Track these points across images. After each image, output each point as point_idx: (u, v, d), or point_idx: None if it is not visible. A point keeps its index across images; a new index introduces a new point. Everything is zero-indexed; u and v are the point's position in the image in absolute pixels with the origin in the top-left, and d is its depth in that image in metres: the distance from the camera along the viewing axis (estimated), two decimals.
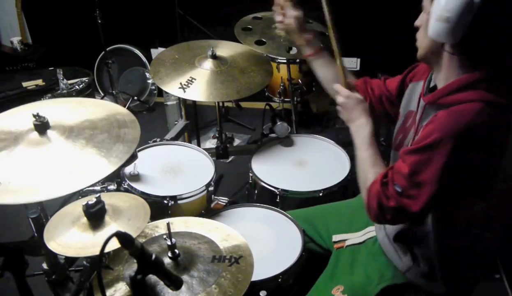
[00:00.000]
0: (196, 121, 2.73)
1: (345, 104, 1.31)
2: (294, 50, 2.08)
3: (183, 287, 1.00)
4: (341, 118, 1.33)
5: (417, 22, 1.15)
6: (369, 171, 1.18)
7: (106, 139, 1.20)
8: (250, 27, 2.15)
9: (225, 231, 1.27)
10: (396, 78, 1.42)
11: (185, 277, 1.03)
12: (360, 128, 1.26)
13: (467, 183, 1.07)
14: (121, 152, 1.17)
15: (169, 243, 1.09)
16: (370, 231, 1.42)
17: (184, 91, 1.78)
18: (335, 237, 1.44)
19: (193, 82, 1.81)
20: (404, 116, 1.31)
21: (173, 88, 1.81)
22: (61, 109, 1.31)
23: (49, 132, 1.19)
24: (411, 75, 1.35)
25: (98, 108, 1.34)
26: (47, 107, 1.28)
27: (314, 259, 1.47)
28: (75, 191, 1.07)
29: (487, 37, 1.02)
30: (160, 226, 1.31)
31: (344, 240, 1.42)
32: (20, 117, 1.25)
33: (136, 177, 1.73)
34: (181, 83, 1.80)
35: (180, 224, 1.32)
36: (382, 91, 1.43)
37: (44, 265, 1.31)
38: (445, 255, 1.20)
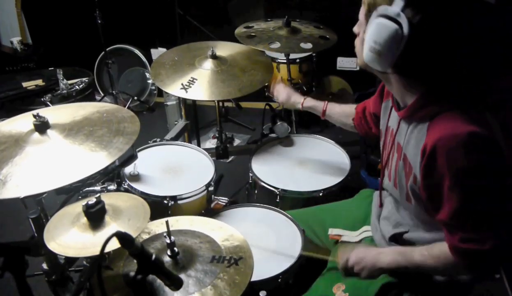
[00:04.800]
0: (196, 121, 2.73)
1: (358, 267, 1.22)
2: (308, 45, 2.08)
3: None
4: (367, 276, 1.24)
5: (355, 29, 1.14)
6: (434, 255, 1.12)
7: (106, 134, 1.21)
8: (252, 25, 2.15)
9: (228, 231, 1.27)
10: (375, 98, 1.44)
11: (182, 276, 1.02)
12: (390, 256, 1.19)
13: (503, 184, 1.05)
14: (122, 143, 1.18)
15: (168, 241, 1.09)
16: (367, 230, 1.42)
17: (186, 92, 1.78)
18: (331, 231, 1.43)
19: (195, 82, 1.81)
20: (384, 133, 1.33)
21: (174, 89, 1.81)
22: (61, 112, 1.32)
23: (49, 131, 1.20)
24: (385, 94, 1.36)
25: (97, 108, 1.35)
26: (47, 112, 1.28)
27: (313, 259, 1.47)
28: (77, 180, 1.08)
29: (422, 60, 1.02)
30: (164, 224, 1.31)
31: (339, 235, 1.42)
32: (19, 123, 1.26)
33: (136, 177, 1.73)
34: (182, 84, 1.80)
35: (185, 222, 1.31)
36: (376, 110, 1.45)
37: (44, 265, 1.31)
38: None
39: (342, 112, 1.63)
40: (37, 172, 1.09)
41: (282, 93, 1.76)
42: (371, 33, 1.01)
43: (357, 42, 1.15)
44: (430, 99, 1.07)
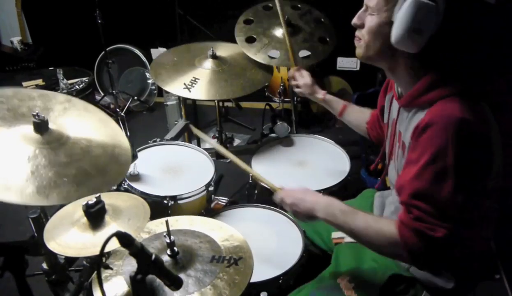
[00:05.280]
0: (196, 121, 2.73)
1: (292, 204, 1.23)
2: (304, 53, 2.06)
3: None
4: (301, 220, 1.25)
5: (356, 21, 1.14)
6: (378, 228, 1.10)
7: (101, 156, 1.18)
8: (252, 19, 2.14)
9: (228, 231, 1.27)
10: (381, 94, 1.44)
11: (182, 276, 1.02)
12: (329, 209, 1.18)
13: (478, 182, 1.05)
14: (116, 173, 1.16)
15: (167, 240, 1.09)
16: None
17: (190, 91, 1.77)
18: (334, 234, 1.43)
19: (197, 82, 1.81)
20: (389, 126, 1.33)
21: (177, 88, 1.80)
22: (60, 111, 1.28)
23: (45, 134, 1.15)
24: (388, 87, 1.36)
25: (96, 116, 1.32)
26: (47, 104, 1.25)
27: (314, 260, 1.47)
28: (71, 201, 1.06)
29: (447, 43, 1.04)
30: (164, 223, 1.31)
31: (342, 237, 1.42)
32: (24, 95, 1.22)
33: (136, 177, 1.73)
34: (185, 83, 1.80)
35: (185, 222, 1.31)
36: (382, 103, 1.45)
37: (44, 265, 1.31)
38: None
39: (360, 114, 1.61)
40: (28, 179, 1.03)
41: (307, 77, 1.72)
42: (409, 12, 1.00)
43: (362, 33, 1.13)
44: (433, 85, 1.07)
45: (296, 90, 1.75)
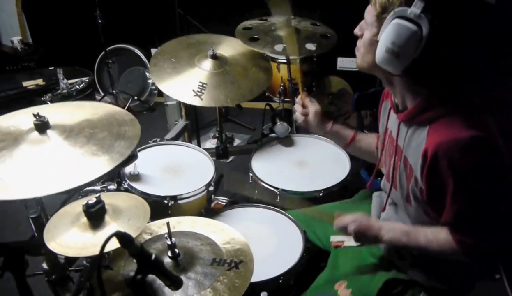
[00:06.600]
0: (196, 121, 2.73)
1: (357, 231, 1.24)
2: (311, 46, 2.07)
3: None
4: (360, 242, 1.27)
5: (356, 31, 1.14)
6: (441, 242, 1.13)
7: (107, 137, 1.21)
8: (251, 26, 2.15)
9: (230, 234, 1.26)
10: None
11: (182, 278, 1.02)
12: (392, 233, 1.21)
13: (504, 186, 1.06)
14: (123, 148, 1.18)
15: (168, 242, 1.09)
16: None
17: (201, 99, 1.77)
18: (333, 238, 1.44)
19: (205, 87, 1.81)
20: (383, 134, 1.33)
21: (187, 96, 1.80)
22: (60, 112, 1.31)
23: (49, 131, 1.19)
24: (384, 94, 1.36)
25: (97, 109, 1.35)
26: (46, 110, 1.28)
27: (314, 259, 1.47)
28: (78, 185, 1.07)
29: (436, 63, 1.03)
30: (166, 225, 1.31)
31: (342, 241, 1.42)
32: (19, 119, 1.25)
33: (136, 177, 1.73)
34: (193, 90, 1.79)
35: (187, 224, 1.31)
36: None
37: (44, 265, 1.31)
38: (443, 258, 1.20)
39: (370, 139, 1.54)
40: (38, 174, 1.08)
41: (317, 104, 1.58)
42: (389, 34, 0.99)
43: (359, 43, 1.14)
44: (431, 103, 1.07)
45: (300, 120, 1.58)
